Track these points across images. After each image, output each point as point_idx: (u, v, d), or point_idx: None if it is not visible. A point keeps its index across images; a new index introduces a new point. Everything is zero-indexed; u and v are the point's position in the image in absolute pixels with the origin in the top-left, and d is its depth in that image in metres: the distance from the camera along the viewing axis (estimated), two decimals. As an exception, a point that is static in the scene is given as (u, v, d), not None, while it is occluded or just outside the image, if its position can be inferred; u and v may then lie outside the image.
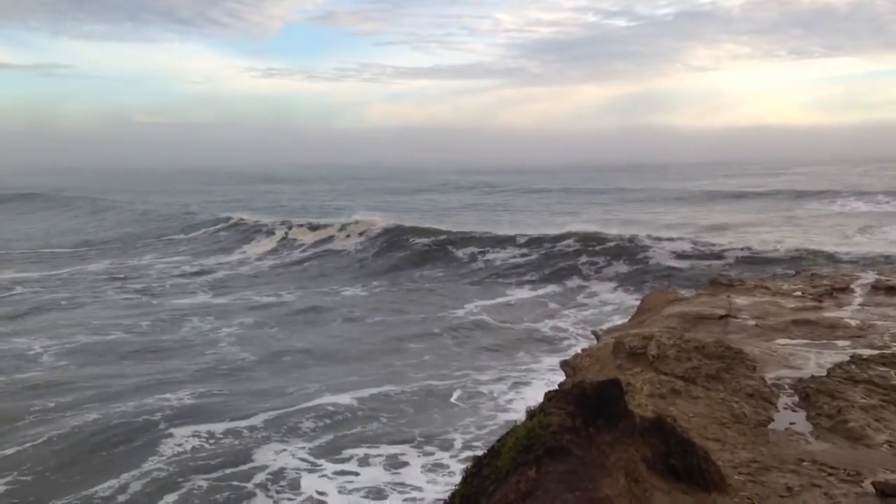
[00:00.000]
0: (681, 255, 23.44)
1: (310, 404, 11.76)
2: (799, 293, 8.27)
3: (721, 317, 7.07)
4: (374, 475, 9.21)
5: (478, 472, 3.55)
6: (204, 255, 29.55)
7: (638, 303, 9.26)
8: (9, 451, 9.76)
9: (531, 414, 3.58)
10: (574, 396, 3.40)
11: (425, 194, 66.31)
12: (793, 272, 11.28)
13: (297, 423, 11.00)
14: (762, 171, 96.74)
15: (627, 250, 24.20)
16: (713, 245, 24.52)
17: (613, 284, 21.69)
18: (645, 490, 3.10)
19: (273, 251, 29.31)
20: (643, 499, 3.04)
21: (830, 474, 3.75)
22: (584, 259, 23.91)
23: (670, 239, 25.26)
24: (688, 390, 4.71)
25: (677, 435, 3.46)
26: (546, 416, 3.32)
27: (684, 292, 9.36)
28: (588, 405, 3.36)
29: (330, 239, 28.91)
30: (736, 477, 3.67)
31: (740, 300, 7.85)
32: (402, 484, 8.98)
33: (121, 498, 8.55)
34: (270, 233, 31.95)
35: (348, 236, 28.66)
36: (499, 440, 3.57)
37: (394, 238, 27.69)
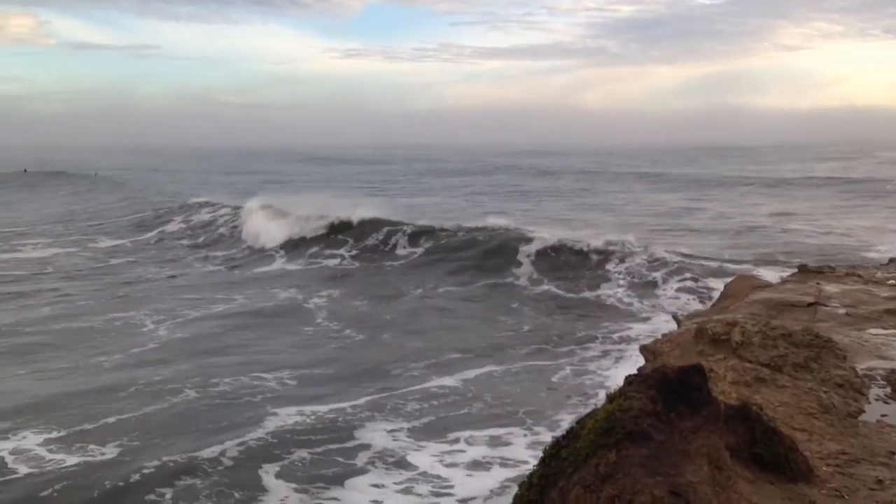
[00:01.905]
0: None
1: (416, 387, 11.87)
2: (893, 281, 7.92)
3: (809, 304, 6.84)
4: (479, 453, 9.26)
5: (556, 454, 3.56)
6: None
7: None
8: (112, 420, 10.23)
9: (611, 397, 3.55)
10: (655, 381, 3.37)
11: (495, 175, 65.77)
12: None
13: (401, 403, 11.10)
14: (854, 152, 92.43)
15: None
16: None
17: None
18: (728, 478, 3.05)
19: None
20: (727, 486, 2.99)
21: (925, 469, 3.60)
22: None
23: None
24: (773, 379, 4.59)
25: (763, 423, 3.39)
26: (626, 400, 3.29)
27: (770, 279, 9.09)
28: (670, 390, 3.32)
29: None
30: (824, 468, 3.57)
31: (830, 288, 7.57)
32: (506, 458, 9.01)
33: (224, 461, 8.85)
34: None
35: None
36: (578, 422, 3.56)
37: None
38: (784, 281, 8.63)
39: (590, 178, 58.28)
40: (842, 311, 6.66)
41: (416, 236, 24.69)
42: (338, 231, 25.98)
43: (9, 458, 9.04)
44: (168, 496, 8.02)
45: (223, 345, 14.41)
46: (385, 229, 25.49)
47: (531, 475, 3.61)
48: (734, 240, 25.45)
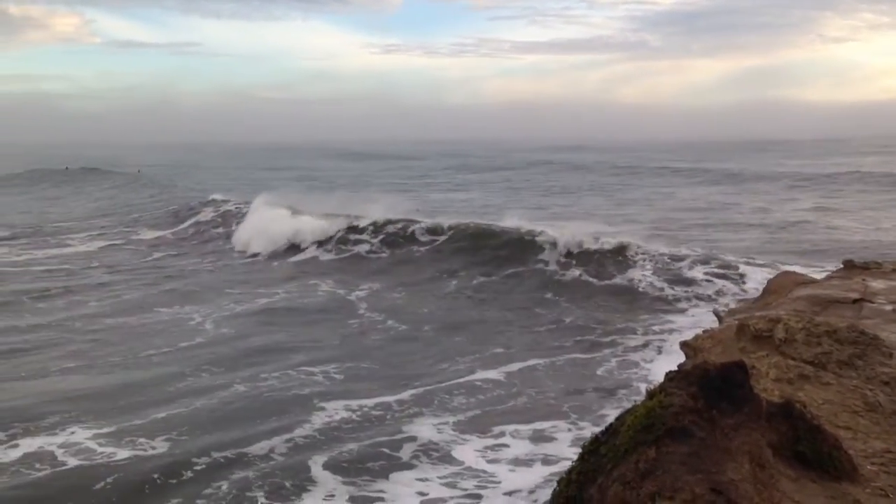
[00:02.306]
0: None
1: (460, 380, 11.98)
2: (942, 277, 7.72)
3: (855, 301, 6.70)
4: (523, 448, 9.36)
5: (595, 450, 3.55)
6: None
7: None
8: (161, 414, 10.41)
9: (651, 394, 3.54)
10: (696, 377, 3.34)
11: (532, 170, 65.40)
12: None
13: (446, 398, 11.22)
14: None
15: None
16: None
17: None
18: (771, 476, 3.02)
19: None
20: (769, 484, 2.96)
21: (976, 470, 3.52)
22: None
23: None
24: (817, 376, 4.51)
25: (807, 421, 3.34)
26: (667, 397, 3.27)
27: (814, 275, 8.92)
28: (711, 387, 3.29)
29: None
30: (868, 467, 3.51)
31: (877, 284, 7.40)
32: (550, 455, 9.08)
33: (273, 455, 9.07)
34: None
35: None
36: (617, 418, 3.55)
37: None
38: (829, 277, 8.46)
39: (627, 173, 57.72)
40: (888, 307, 6.51)
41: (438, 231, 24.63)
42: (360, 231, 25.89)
43: (58, 452, 9.27)
44: (223, 488, 8.18)
45: (269, 339, 14.61)
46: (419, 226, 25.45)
47: (570, 471, 3.61)
48: (774, 234, 25.03)
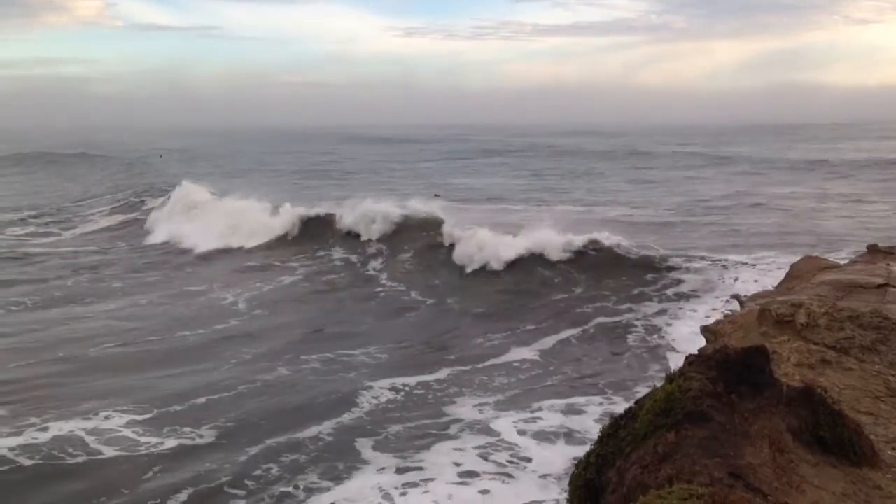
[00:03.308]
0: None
1: (497, 360, 12.20)
2: (969, 263, 7.61)
3: (879, 286, 6.63)
4: (560, 422, 9.55)
5: (614, 434, 3.56)
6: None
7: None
8: (202, 400, 10.32)
9: (670, 378, 3.53)
10: (716, 362, 3.33)
11: (552, 156, 64.92)
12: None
13: (485, 376, 11.40)
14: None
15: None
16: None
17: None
18: (790, 461, 3.01)
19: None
20: (788, 469, 2.95)
21: None
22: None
23: None
24: (839, 361, 4.48)
25: (827, 406, 3.32)
26: (686, 381, 3.27)
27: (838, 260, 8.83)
28: (731, 371, 3.28)
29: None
30: (889, 452, 3.49)
31: (901, 269, 7.31)
32: (587, 430, 9.18)
33: (325, 439, 9.16)
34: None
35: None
36: (636, 402, 3.55)
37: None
38: (852, 262, 8.38)
39: (649, 158, 57.08)
40: (913, 293, 6.45)
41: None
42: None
43: (89, 439, 9.09)
44: (273, 471, 8.23)
45: (304, 317, 14.74)
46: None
47: (588, 454, 3.62)
48: (794, 220, 24.70)
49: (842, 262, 8.88)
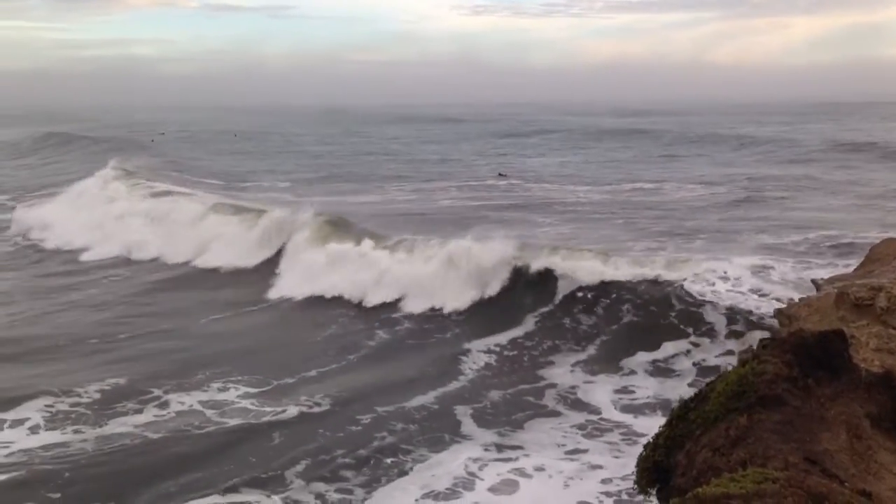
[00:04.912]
0: None
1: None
2: None
3: (965, 270, 6.36)
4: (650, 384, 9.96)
5: (684, 416, 3.53)
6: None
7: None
8: (312, 373, 10.67)
9: (743, 361, 3.48)
10: (792, 346, 3.27)
11: (623, 137, 63.07)
12: None
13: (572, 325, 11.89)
14: None
15: None
16: None
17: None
18: (868, 447, 2.94)
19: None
20: (866, 456, 2.89)
21: None
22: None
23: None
24: (922, 347, 4.34)
25: (909, 393, 3.23)
26: (760, 364, 3.22)
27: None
28: (807, 355, 3.22)
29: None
30: (974, 442, 3.36)
31: None
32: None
33: (431, 407, 9.54)
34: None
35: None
36: (707, 384, 3.51)
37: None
38: (937, 245, 8.02)
39: (721, 141, 54.51)
40: None
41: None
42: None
43: (209, 411, 9.40)
44: (388, 440, 8.55)
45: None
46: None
47: (657, 436, 3.60)
48: (871, 201, 23.48)
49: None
